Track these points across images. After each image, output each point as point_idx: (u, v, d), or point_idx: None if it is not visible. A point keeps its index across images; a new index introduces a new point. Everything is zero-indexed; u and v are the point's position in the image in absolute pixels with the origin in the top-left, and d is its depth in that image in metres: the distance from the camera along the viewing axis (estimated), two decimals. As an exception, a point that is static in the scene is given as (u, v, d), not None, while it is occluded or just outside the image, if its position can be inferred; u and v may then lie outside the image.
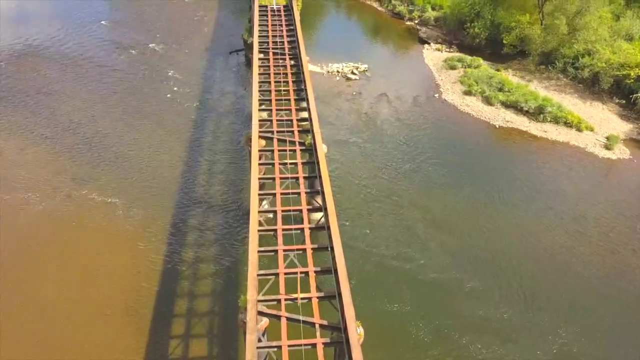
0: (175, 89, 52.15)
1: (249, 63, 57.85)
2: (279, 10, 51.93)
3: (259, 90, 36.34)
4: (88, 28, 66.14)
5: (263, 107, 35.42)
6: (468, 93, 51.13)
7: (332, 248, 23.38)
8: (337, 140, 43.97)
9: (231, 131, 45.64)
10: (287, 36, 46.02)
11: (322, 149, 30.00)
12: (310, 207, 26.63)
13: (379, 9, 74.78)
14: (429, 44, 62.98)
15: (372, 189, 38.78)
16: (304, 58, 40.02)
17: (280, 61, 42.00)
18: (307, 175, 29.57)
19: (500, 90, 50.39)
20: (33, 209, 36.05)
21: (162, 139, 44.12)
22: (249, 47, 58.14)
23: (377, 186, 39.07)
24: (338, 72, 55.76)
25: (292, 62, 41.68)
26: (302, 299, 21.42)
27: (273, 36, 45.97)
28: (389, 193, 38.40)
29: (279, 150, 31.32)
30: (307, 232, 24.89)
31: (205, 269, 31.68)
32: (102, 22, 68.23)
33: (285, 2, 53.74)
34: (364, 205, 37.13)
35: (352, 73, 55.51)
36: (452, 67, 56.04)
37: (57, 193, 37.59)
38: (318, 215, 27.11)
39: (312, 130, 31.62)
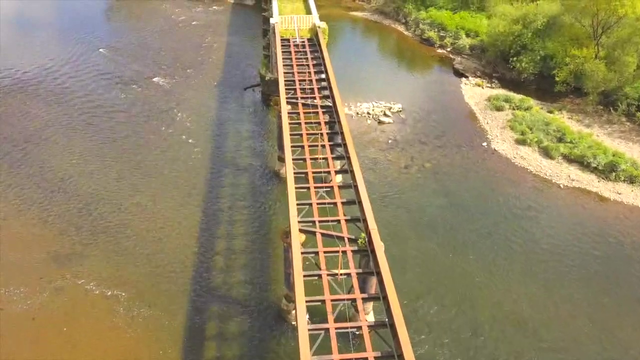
0: (184, 136, 45.35)
1: (266, 101, 51.24)
2: (303, 46, 45.10)
3: (293, 160, 29.66)
4: (85, 57, 59.48)
5: (299, 184, 28.69)
6: (522, 142, 44.29)
7: None
8: (377, 205, 37.04)
9: (252, 193, 38.86)
10: (317, 81, 39.24)
11: (382, 254, 23.30)
12: (378, 354, 19.88)
13: (406, 33, 68.02)
14: (466, 77, 56.19)
15: (434, 278, 31.83)
16: (345, 126, 32.38)
17: (313, 116, 35.37)
18: (366, 296, 22.86)
19: (560, 140, 43.53)
20: (14, 309, 29.28)
21: (171, 205, 37.35)
22: (266, 83, 51.54)
23: (439, 276, 32.06)
24: (368, 113, 48.99)
25: (327, 118, 35.01)
26: None
27: (300, 81, 39.18)
28: (456, 287, 31.36)
29: (325, 253, 24.63)
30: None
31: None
32: (101, 49, 61.53)
33: (309, 34, 47.02)
34: (426, 301, 30.19)
35: (385, 115, 48.77)
36: (498, 108, 49.25)
37: (46, 284, 30.85)
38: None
39: (367, 227, 24.92)
